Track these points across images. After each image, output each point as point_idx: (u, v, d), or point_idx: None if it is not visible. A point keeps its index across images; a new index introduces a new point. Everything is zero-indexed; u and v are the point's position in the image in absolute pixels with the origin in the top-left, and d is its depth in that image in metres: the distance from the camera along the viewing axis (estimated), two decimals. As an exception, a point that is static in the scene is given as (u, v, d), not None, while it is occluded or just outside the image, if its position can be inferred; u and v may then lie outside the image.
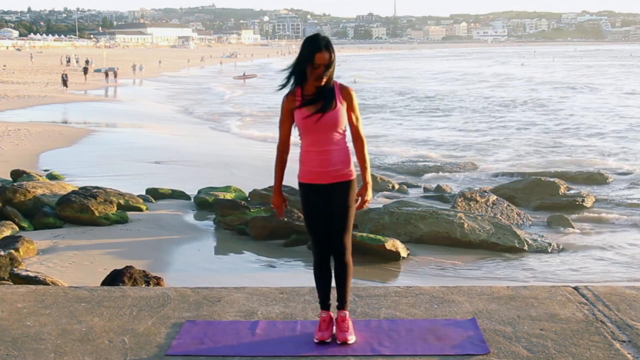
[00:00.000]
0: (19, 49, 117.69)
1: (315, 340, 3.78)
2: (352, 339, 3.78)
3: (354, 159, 3.86)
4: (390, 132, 24.73)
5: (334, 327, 3.84)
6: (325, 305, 3.90)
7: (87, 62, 65.52)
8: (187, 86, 48.71)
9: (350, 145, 3.83)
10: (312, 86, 3.72)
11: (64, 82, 38.73)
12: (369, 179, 3.84)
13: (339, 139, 3.75)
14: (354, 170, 3.83)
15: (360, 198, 3.83)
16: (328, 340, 3.77)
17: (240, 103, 37.68)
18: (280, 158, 3.91)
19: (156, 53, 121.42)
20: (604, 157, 18.46)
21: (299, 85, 3.75)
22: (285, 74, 3.77)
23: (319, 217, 3.82)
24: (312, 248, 3.93)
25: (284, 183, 3.98)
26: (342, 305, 3.87)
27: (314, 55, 3.63)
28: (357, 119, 3.82)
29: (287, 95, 3.78)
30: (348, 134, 3.84)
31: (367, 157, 3.87)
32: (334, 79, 3.74)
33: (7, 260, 6.78)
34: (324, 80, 3.68)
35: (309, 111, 3.70)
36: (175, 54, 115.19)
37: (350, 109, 3.78)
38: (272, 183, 3.93)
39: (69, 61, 72.14)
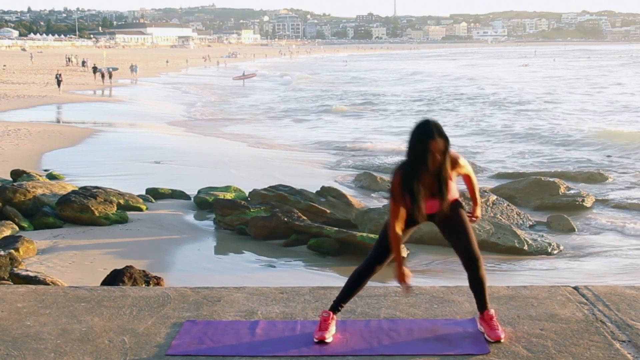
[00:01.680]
0: (24, 49, 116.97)
1: (315, 340, 3.78)
2: (503, 335, 3.80)
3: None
4: (389, 132, 24.74)
5: (484, 329, 3.88)
6: (335, 307, 3.92)
7: (83, 62, 65.52)
8: (186, 87, 48.67)
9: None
10: (428, 173, 3.70)
11: (58, 83, 37.59)
12: (479, 200, 4.08)
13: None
14: (457, 192, 3.92)
15: (472, 215, 4.03)
16: (328, 340, 3.77)
17: (236, 104, 37.72)
18: (397, 240, 3.81)
19: (156, 53, 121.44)
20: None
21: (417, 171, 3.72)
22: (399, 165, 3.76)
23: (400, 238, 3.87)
24: (370, 256, 3.94)
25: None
26: (485, 307, 3.92)
27: (430, 143, 3.60)
28: (468, 171, 3.93)
29: (402, 173, 3.73)
30: None
31: (476, 184, 4.05)
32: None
33: (7, 260, 6.79)
34: (439, 165, 3.68)
35: (426, 197, 3.73)
36: (176, 54, 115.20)
37: (461, 172, 3.85)
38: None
39: (69, 61, 72.17)
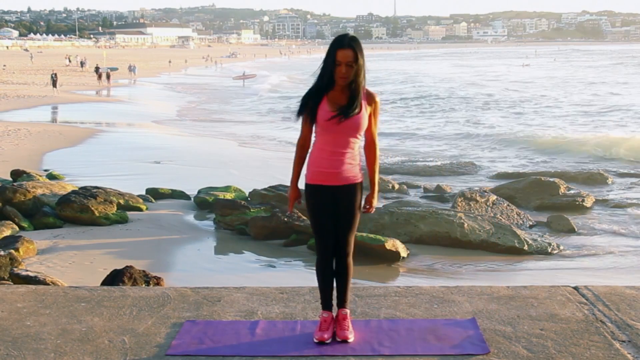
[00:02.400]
0: (26, 49, 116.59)
1: (315, 340, 3.78)
2: (351, 337, 3.79)
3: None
4: (387, 132, 24.73)
5: (335, 327, 3.85)
6: (326, 305, 3.90)
7: (81, 63, 65.54)
8: (186, 87, 48.68)
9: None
10: (339, 86, 3.64)
11: (54, 83, 37.02)
12: (377, 185, 3.88)
13: (354, 144, 3.73)
14: (361, 174, 3.83)
15: (367, 203, 3.87)
16: (328, 341, 3.77)
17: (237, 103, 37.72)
18: (299, 153, 3.83)
19: (156, 53, 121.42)
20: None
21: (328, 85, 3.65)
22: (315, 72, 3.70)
23: (326, 218, 3.79)
24: (317, 248, 3.90)
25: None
26: (342, 304, 3.88)
27: (336, 51, 3.55)
28: (375, 125, 3.79)
29: (310, 89, 3.73)
30: None
31: (378, 163, 3.88)
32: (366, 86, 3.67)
33: (7, 260, 6.79)
34: (346, 79, 3.58)
35: (333, 111, 3.64)
36: (176, 54, 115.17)
37: (373, 115, 3.75)
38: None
39: (69, 61, 72.22)
